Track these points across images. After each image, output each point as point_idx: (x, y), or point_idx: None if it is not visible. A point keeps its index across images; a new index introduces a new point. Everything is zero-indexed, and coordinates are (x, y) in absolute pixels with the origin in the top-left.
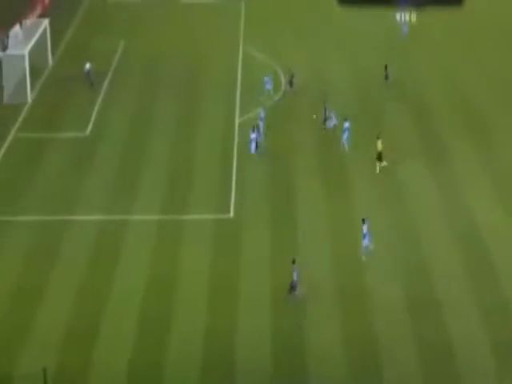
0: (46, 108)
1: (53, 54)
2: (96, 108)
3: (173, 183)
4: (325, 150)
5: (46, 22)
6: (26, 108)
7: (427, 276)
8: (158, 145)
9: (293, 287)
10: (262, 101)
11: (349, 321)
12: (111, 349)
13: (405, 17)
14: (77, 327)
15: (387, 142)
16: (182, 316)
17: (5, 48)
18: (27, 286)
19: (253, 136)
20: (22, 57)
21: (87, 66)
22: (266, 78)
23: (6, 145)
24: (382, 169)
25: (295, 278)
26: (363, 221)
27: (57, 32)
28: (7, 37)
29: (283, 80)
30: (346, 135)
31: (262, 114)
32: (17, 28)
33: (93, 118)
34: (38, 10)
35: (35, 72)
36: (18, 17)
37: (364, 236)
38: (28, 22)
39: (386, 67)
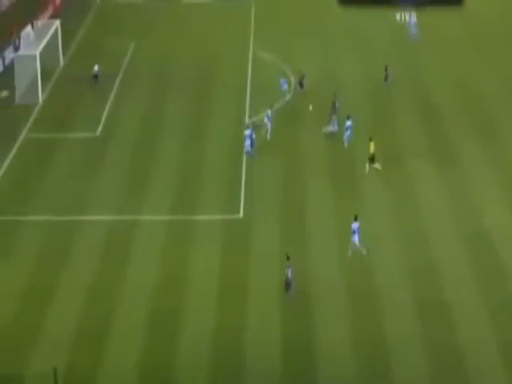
0: (57, 108)
1: (64, 54)
2: (106, 108)
3: (183, 183)
4: (334, 150)
5: (57, 22)
6: (37, 108)
7: (436, 277)
8: (168, 145)
9: (288, 285)
10: (274, 101)
11: (358, 321)
12: (121, 349)
13: (411, 18)
14: (87, 327)
15: (394, 143)
16: (191, 315)
17: (16, 49)
18: (38, 286)
19: (247, 133)
20: (34, 57)
21: (95, 67)
22: (282, 80)
23: (17, 145)
24: (375, 170)
25: (289, 275)
26: (355, 218)
27: (68, 33)
28: (19, 37)
29: (293, 81)
30: (347, 133)
31: (270, 114)
32: (28, 29)
33: (103, 119)
34: (50, 11)
35: (46, 73)
36: (29, 18)
37: (353, 232)
38: (39, 22)
39: (386, 68)
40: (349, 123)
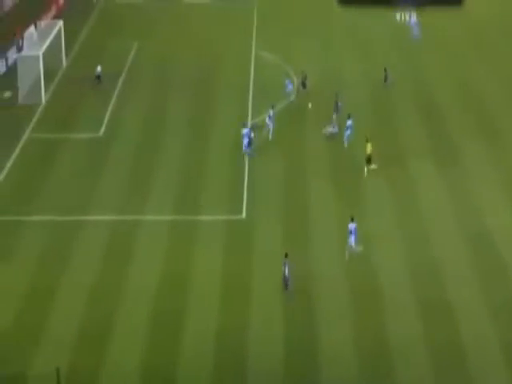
0: (60, 109)
1: (67, 55)
2: (109, 109)
3: (185, 184)
4: (335, 150)
5: (60, 23)
6: (40, 109)
7: (438, 277)
8: (171, 145)
9: (285, 282)
10: (276, 102)
11: (360, 320)
12: (124, 349)
13: (411, 18)
14: (90, 327)
15: (395, 143)
16: (194, 315)
17: (20, 49)
18: (41, 286)
19: (245, 131)
20: (37, 58)
21: (98, 68)
22: (287, 81)
23: (20, 145)
24: (370, 171)
25: (286, 272)
26: (352, 219)
27: (71, 33)
28: (22, 38)
29: (296, 81)
30: (348, 132)
31: (271, 114)
32: (31, 29)
33: (106, 119)
34: (53, 11)
35: (49, 73)
36: (32, 18)
37: (350, 233)
38: (42, 23)
39: (385, 69)
40: (349, 122)
